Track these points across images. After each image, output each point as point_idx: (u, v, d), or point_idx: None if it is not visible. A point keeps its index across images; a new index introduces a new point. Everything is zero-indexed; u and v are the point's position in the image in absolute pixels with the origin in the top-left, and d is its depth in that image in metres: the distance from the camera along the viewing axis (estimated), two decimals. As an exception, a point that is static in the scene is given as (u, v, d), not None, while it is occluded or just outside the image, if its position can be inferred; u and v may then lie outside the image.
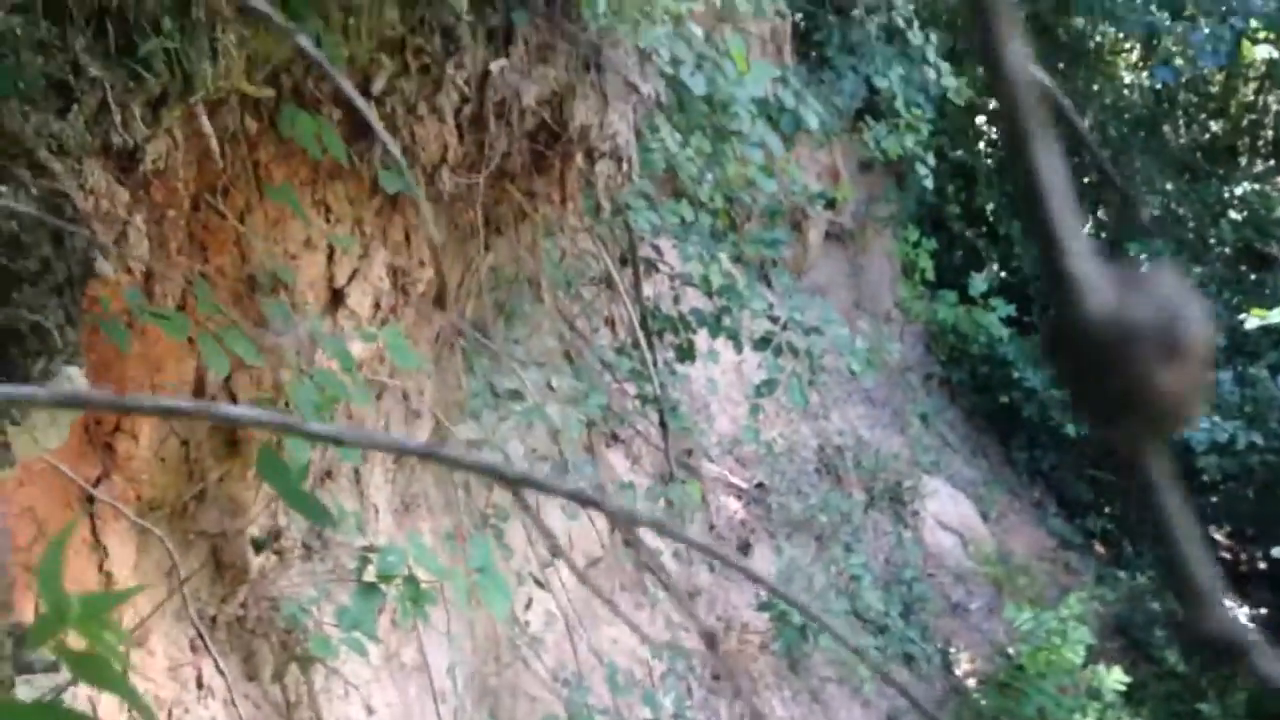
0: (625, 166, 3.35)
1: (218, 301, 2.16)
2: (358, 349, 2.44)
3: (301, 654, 2.19)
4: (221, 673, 1.95)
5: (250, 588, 2.16)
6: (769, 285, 6.91)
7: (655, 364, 4.93)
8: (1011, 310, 9.73)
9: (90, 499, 1.82)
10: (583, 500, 0.61)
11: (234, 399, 2.12)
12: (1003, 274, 10.73)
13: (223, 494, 2.11)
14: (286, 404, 2.14)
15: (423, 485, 3.61)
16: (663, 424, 5.21)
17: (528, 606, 4.08)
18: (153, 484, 2.00)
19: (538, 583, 4.16)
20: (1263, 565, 9.49)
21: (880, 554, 7.15)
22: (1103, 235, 11.48)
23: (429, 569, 2.30)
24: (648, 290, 5.21)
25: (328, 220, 2.67)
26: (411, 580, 2.19)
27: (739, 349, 4.85)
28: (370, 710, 2.48)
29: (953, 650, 7.03)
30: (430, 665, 2.95)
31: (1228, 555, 10.08)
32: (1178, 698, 7.51)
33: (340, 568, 2.40)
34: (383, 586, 2.15)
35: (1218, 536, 10.22)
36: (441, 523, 3.60)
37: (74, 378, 1.26)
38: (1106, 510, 9.94)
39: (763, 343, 4.69)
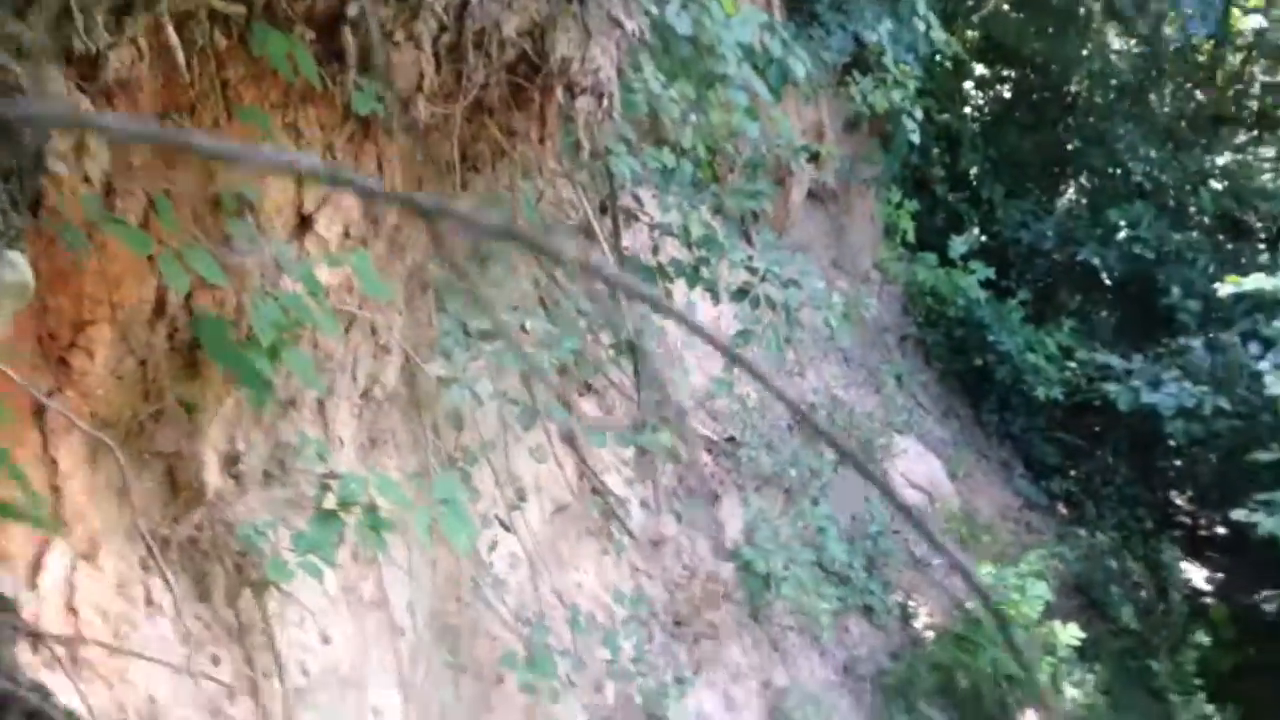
0: (606, 103, 3.29)
1: (180, 220, 2.11)
2: (325, 275, 2.40)
3: (257, 578, 2.18)
4: (170, 589, 1.93)
5: (206, 510, 2.14)
6: (749, 241, 6.87)
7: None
8: (990, 273, 9.80)
9: (41, 411, 1.78)
10: (505, 235, 0.56)
11: (194, 318, 2.08)
12: (983, 238, 10.75)
13: (180, 415, 2.07)
14: (249, 327, 2.10)
15: (390, 423, 3.57)
16: (636, 374, 5.19)
17: (492, 549, 4.08)
18: (108, 402, 1.96)
19: (504, 525, 4.16)
20: (1222, 529, 9.68)
21: (848, 509, 7.22)
22: (1083, 201, 11.50)
23: (391, 499, 2.28)
24: (627, 240, 5.16)
25: (298, 144, 2.61)
26: (372, 510, 2.18)
27: (716, 301, 4.82)
28: (326, 639, 2.48)
29: (912, 604, 7.14)
30: (390, 600, 2.94)
31: (1188, 519, 10.27)
32: (1130, 654, 7.69)
33: (300, 495, 2.38)
34: (342, 514, 2.13)
35: (1179, 501, 10.40)
36: (408, 461, 3.58)
37: (16, 262, 1.22)
38: (1071, 473, 10.09)
39: (740, 294, 4.67)
